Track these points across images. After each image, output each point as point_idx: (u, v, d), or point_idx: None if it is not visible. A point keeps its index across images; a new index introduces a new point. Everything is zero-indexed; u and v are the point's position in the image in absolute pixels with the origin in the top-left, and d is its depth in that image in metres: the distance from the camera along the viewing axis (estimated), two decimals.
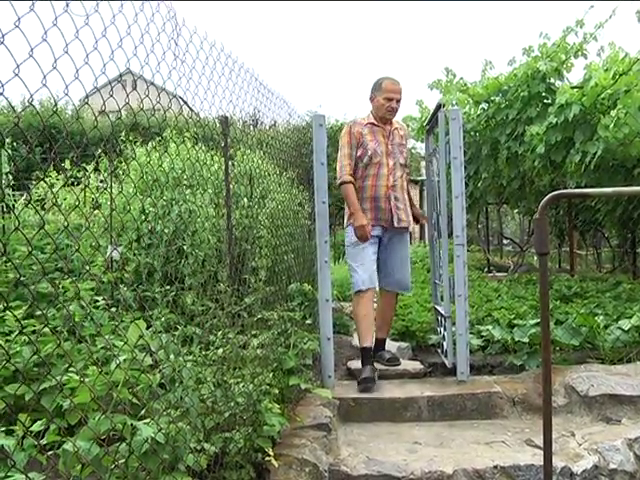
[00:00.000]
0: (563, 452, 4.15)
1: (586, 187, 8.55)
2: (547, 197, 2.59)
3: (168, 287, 4.61)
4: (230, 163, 5.13)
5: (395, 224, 5.32)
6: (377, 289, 5.59)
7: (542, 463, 3.90)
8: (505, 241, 20.37)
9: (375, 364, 5.34)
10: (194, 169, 4.97)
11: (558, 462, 3.95)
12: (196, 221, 5.19)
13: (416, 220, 5.73)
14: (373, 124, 5.36)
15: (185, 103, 4.24)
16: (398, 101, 5.32)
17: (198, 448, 2.85)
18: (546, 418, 2.59)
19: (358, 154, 5.28)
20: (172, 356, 3.04)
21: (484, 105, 10.32)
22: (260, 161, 6.00)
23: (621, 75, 7.26)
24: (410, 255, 5.84)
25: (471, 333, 5.79)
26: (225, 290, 4.44)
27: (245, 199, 5.54)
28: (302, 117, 8.63)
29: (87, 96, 2.38)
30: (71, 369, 2.75)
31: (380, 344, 5.66)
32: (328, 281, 5.05)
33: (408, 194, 5.57)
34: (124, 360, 2.75)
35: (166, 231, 5.25)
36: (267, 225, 5.57)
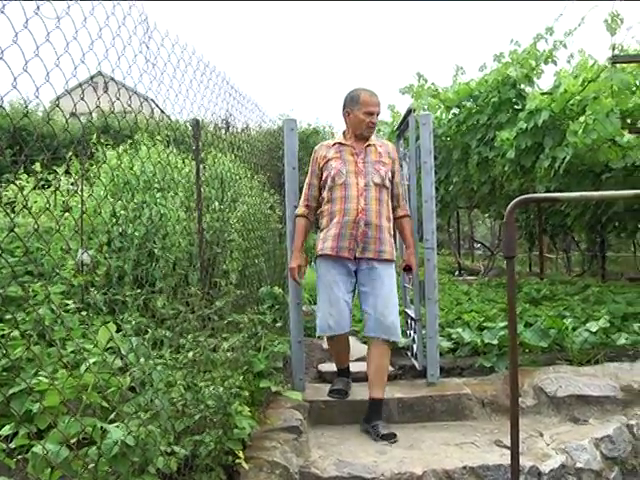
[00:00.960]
0: (531, 452, 4.21)
1: (555, 192, 8.67)
2: (514, 201, 2.63)
3: (139, 290, 4.60)
4: (201, 166, 5.13)
5: (373, 255, 4.56)
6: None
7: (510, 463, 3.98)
8: (476, 245, 20.56)
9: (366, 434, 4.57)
10: (165, 172, 4.97)
11: (526, 462, 4.01)
12: (167, 224, 5.18)
13: (407, 268, 4.92)
14: (341, 143, 4.75)
15: (157, 106, 4.24)
16: (378, 115, 4.74)
17: (168, 451, 2.85)
18: (513, 418, 2.63)
19: (324, 177, 4.72)
20: (142, 359, 3.04)
21: (455, 110, 10.41)
22: (231, 164, 6.01)
23: (589, 82, 7.38)
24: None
25: (441, 336, 5.84)
26: (196, 293, 4.45)
27: (216, 202, 5.54)
28: (273, 121, 8.65)
29: (58, 98, 2.38)
30: (41, 373, 2.75)
31: (375, 410, 4.63)
32: (294, 285, 5.06)
33: (400, 225, 4.93)
34: (94, 363, 2.75)
35: (137, 234, 5.23)
36: (238, 228, 5.57)
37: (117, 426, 2.57)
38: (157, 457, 2.71)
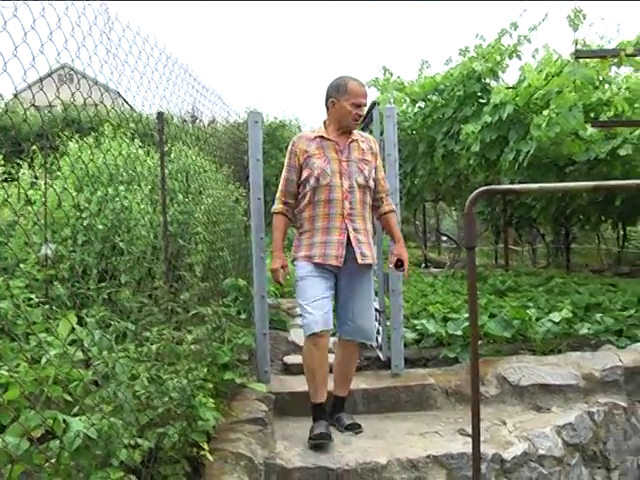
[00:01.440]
0: (494, 440, 4.28)
1: (520, 184, 8.78)
2: (474, 193, 2.66)
3: (103, 284, 4.57)
4: (166, 159, 5.10)
5: (359, 260, 4.22)
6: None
7: None
8: (442, 237, 20.71)
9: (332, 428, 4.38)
10: (130, 165, 4.94)
11: (489, 449, 4.08)
12: (131, 217, 5.15)
13: (398, 263, 4.47)
14: (323, 137, 4.30)
15: (122, 98, 4.21)
16: (365, 107, 4.36)
17: (132, 443, 2.84)
18: (474, 407, 2.67)
19: (304, 176, 4.28)
20: (105, 352, 3.03)
21: (421, 104, 10.50)
22: (196, 157, 5.99)
23: (553, 76, 7.48)
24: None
25: (406, 327, 5.89)
26: (160, 286, 4.44)
27: (181, 195, 5.52)
28: (238, 114, 8.62)
29: (16, 90, 2.36)
30: (1, 366, 2.72)
31: (338, 405, 4.61)
32: (264, 277, 5.06)
33: (385, 220, 4.60)
34: (55, 355, 2.73)
35: (101, 227, 5.20)
36: (203, 221, 5.55)
37: (79, 419, 2.56)
38: (120, 450, 2.71)
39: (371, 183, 4.35)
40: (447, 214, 20.56)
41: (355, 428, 4.44)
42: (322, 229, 4.24)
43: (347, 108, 4.19)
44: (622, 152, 7.77)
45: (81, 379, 2.82)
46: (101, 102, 3.07)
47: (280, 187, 4.42)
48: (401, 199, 5.37)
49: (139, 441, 2.88)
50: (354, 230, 4.25)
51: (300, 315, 4.44)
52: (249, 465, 3.54)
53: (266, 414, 4.25)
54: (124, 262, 4.95)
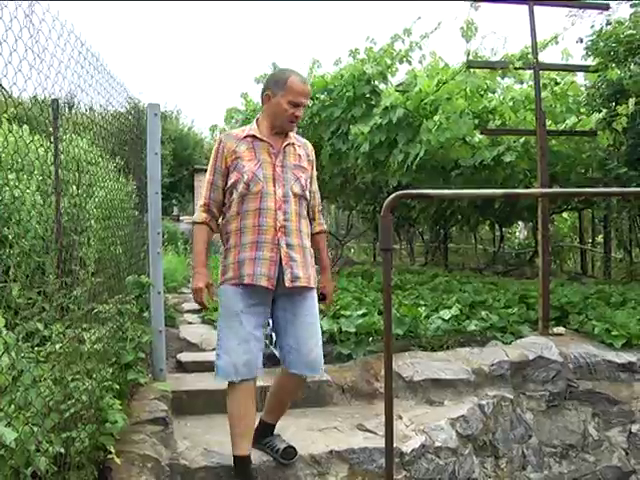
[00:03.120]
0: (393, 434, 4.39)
1: (407, 186, 9.04)
2: (392, 196, 2.70)
3: None
4: (59, 148, 4.89)
5: (287, 283, 3.59)
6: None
7: (374, 445, 4.16)
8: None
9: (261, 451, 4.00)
10: (19, 153, 4.69)
11: None
12: (22, 208, 4.91)
13: (321, 296, 3.97)
14: (255, 137, 3.71)
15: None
16: (304, 107, 3.77)
17: (39, 450, 2.71)
18: (387, 402, 2.71)
19: (231, 180, 3.68)
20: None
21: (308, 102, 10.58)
22: (88, 147, 5.76)
23: (444, 83, 7.73)
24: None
25: None
26: (52, 282, 4.26)
27: (74, 186, 5.30)
28: (122, 103, 8.37)
29: None
30: None
31: (267, 431, 4.07)
32: (160, 273, 4.96)
33: (315, 242, 3.98)
34: None
35: None
36: (96, 215, 5.36)
37: None
38: (39, 459, 2.57)
39: (307, 194, 3.80)
40: (327, 212, 20.79)
41: (291, 455, 3.95)
42: (251, 244, 3.60)
43: (283, 106, 3.62)
44: (507, 158, 8.14)
45: None
46: None
47: (203, 193, 3.78)
48: None
49: (45, 447, 2.75)
50: (287, 246, 3.62)
51: (215, 350, 3.76)
52: (156, 467, 3.48)
53: (166, 413, 4.17)
54: (13, 256, 4.70)
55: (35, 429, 2.58)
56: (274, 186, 3.62)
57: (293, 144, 3.78)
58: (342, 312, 6.24)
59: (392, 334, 5.69)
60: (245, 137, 3.71)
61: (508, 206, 10.29)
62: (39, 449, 2.67)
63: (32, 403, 2.78)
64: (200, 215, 3.76)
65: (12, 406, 2.59)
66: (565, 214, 14.27)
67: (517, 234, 16.91)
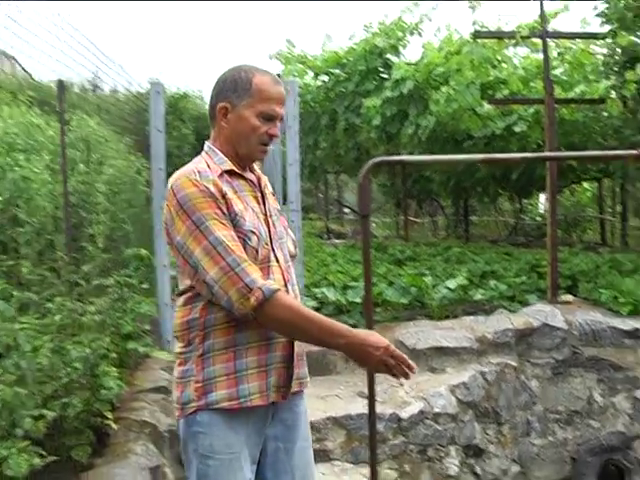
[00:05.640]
0: (392, 401, 4.49)
1: None
2: (369, 162, 2.75)
3: (3, 256, 4.47)
4: (66, 128, 5.01)
5: (295, 387, 2.23)
6: None
7: None
8: (345, 209, 20.95)
9: None
10: (29, 133, 4.82)
11: (387, 409, 4.29)
12: (32, 187, 5.03)
13: None
14: (233, 173, 2.22)
15: (19, 64, 4.11)
16: (281, 120, 2.29)
17: (36, 415, 2.84)
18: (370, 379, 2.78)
19: None
20: (7, 323, 3.01)
21: (324, 77, 10.61)
22: (97, 126, 5.89)
23: (453, 55, 7.72)
24: None
25: (307, 296, 6.01)
26: (62, 258, 4.39)
27: (82, 165, 5.43)
28: (140, 84, 8.51)
29: None
30: None
31: None
32: (164, 246, 5.05)
33: None
34: None
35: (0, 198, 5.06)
36: (105, 191, 5.48)
37: None
38: (24, 419, 2.70)
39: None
40: (349, 186, 20.80)
41: None
42: (258, 342, 2.15)
43: (250, 121, 2.19)
44: (517, 129, 8.10)
45: None
46: None
47: (237, 254, 2.04)
48: (302, 171, 5.44)
49: (43, 412, 2.88)
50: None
51: None
52: (153, 432, 3.59)
53: (169, 382, 4.29)
54: (24, 234, 4.83)
55: (24, 393, 2.70)
56: (273, 250, 2.25)
57: (260, 177, 2.37)
58: (350, 283, 6.31)
59: (399, 304, 5.82)
60: (222, 174, 2.18)
61: (525, 177, 10.22)
62: (34, 414, 2.80)
63: (29, 369, 2.91)
64: (266, 281, 2.06)
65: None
66: (586, 184, 14.11)
67: (540, 205, 16.75)
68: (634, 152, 2.33)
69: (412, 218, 15.85)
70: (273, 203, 2.39)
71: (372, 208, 16.59)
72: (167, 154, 5.25)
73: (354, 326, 5.29)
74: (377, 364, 2.08)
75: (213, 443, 2.12)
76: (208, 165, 2.18)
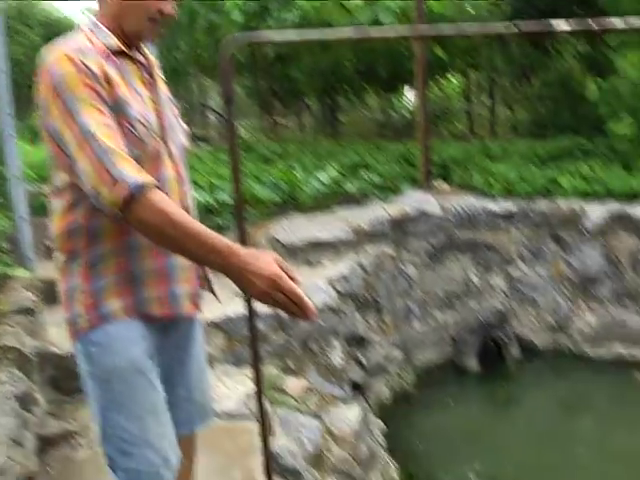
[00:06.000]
0: None
1: (286, 55, 8.82)
2: (229, 39, 2.50)
3: None
4: None
5: (188, 307, 2.01)
6: None
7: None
8: (211, 115, 20.39)
9: None
10: None
11: (266, 307, 4.15)
12: None
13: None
14: (122, 53, 1.90)
15: None
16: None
17: None
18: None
19: None
20: None
21: None
22: None
23: None
24: None
25: None
26: None
27: None
28: None
29: None
30: None
31: None
32: (15, 156, 4.64)
33: None
34: None
35: None
36: None
37: None
38: None
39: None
40: (213, 89, 20.19)
41: None
42: (148, 247, 1.88)
43: None
44: (384, 20, 7.97)
45: None
46: None
47: (107, 144, 1.72)
48: (165, 74, 5.08)
49: None
50: None
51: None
52: (19, 357, 3.31)
53: (34, 303, 3.98)
54: None
55: None
56: (165, 142, 1.98)
57: (148, 58, 2.05)
58: (218, 183, 6.05)
59: (271, 201, 5.65)
60: (107, 53, 1.85)
61: (391, 71, 10.20)
62: None
63: None
64: (140, 175, 1.71)
65: None
66: (453, 79, 14.39)
67: (406, 99, 16.89)
68: (515, 30, 2.20)
69: (278, 119, 15.61)
70: (164, 89, 2.10)
71: (237, 114, 16.19)
72: (12, 62, 4.78)
73: (225, 228, 4.84)
74: (260, 296, 1.65)
75: (115, 361, 1.86)
76: (91, 41, 1.85)
